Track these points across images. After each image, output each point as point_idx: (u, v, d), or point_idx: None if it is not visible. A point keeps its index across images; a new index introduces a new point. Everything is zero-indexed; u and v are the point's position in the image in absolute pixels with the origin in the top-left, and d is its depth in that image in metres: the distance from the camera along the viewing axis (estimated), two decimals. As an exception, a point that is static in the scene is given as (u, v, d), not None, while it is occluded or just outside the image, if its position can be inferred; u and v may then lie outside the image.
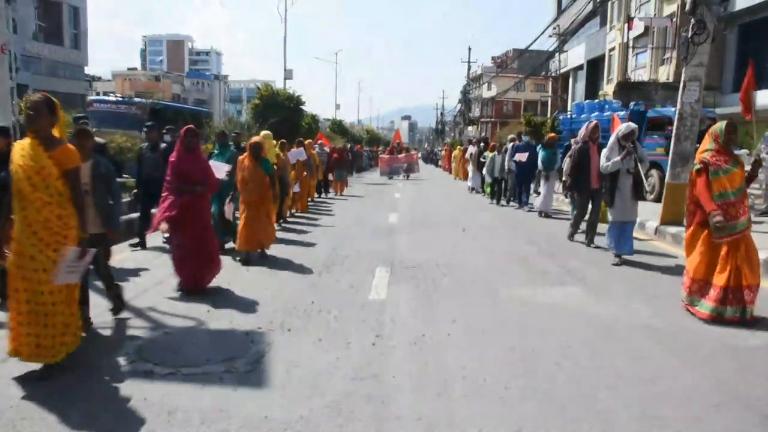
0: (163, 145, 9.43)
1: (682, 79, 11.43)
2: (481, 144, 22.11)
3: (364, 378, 4.29)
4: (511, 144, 16.54)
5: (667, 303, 6.37)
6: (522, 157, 15.35)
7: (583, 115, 20.87)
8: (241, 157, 8.57)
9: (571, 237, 10.33)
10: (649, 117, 17.19)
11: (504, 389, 4.12)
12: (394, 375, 4.35)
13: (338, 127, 57.13)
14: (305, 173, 15.14)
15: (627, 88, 24.05)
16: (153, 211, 8.55)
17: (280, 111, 29.01)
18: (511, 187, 17.05)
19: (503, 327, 5.52)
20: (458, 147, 36.49)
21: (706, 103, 16.20)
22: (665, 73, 26.33)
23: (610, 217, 8.55)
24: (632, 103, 18.37)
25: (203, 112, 31.14)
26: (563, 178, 11.10)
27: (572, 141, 10.89)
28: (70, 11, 40.41)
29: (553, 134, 15.34)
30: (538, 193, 15.78)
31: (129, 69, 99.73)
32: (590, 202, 9.87)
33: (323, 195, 19.83)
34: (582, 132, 9.97)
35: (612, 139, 8.37)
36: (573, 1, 34.49)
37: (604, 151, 8.35)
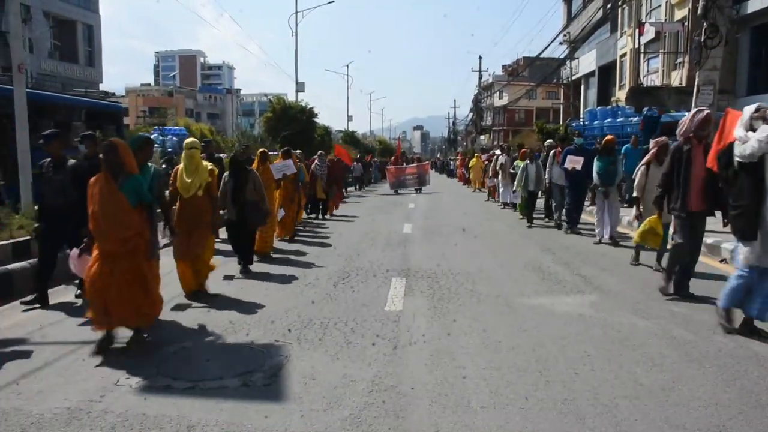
0: (72, 161, 6.95)
1: (696, 83, 11.39)
2: (511, 150, 19.37)
3: (382, 390, 4.28)
4: (552, 152, 13.37)
5: (685, 309, 6.30)
6: (576, 163, 11.66)
7: (596, 122, 20.79)
8: (92, 179, 5.26)
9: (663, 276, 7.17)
10: (662, 122, 17.10)
11: (523, 400, 4.08)
12: (412, 386, 4.33)
13: (350, 138, 57.35)
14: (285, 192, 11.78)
15: (639, 94, 23.94)
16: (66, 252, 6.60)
17: (292, 123, 29.21)
18: (558, 204, 13.40)
19: (521, 336, 5.48)
20: (476, 155, 33.04)
21: (720, 107, 16.06)
22: (678, 78, 26.18)
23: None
24: (645, 109, 18.28)
25: (105, 106, 19.19)
26: (635, 194, 8.38)
27: (655, 141, 8.54)
28: (84, 30, 41.04)
29: (610, 136, 11.65)
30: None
31: (142, 85, 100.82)
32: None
33: (320, 217, 16.57)
34: (684, 125, 6.78)
35: (739, 130, 5.40)
36: (583, 8, 34.50)
37: (737, 145, 5.35)
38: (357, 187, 31.17)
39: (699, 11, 11.32)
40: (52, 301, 6.82)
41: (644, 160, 8.36)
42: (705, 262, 8.89)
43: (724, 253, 9.03)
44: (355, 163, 30.88)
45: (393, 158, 31.20)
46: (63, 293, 7.29)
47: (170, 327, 5.88)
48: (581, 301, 6.77)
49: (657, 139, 8.47)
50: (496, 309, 6.45)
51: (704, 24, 11.09)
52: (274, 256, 10.04)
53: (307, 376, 4.54)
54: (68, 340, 5.49)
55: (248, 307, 6.61)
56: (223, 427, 3.73)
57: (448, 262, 9.20)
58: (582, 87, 41.35)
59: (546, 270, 8.50)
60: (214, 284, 7.63)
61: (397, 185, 28.50)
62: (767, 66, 22.99)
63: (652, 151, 8.22)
